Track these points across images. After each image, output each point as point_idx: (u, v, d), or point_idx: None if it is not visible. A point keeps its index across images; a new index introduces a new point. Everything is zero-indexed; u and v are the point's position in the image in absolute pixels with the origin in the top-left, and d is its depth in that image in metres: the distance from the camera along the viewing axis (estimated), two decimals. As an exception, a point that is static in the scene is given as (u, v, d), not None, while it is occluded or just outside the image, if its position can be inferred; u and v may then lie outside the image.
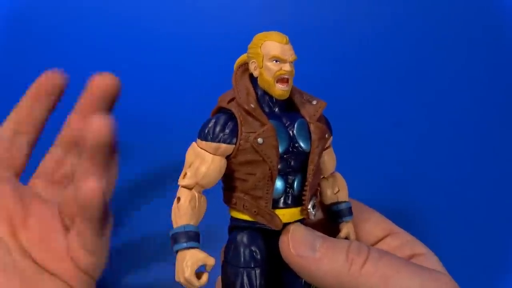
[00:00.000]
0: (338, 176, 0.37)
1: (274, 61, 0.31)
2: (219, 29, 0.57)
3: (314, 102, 0.33)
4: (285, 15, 0.62)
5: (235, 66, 0.34)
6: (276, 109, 0.33)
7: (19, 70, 0.57)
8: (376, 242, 0.37)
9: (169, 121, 0.56)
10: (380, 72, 0.63)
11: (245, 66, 0.33)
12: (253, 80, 0.33)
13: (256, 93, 0.32)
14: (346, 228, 0.36)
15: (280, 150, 0.31)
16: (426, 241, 0.37)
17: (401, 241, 0.36)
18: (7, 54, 0.57)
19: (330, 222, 0.37)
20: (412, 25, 0.62)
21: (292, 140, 0.32)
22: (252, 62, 0.32)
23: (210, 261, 0.30)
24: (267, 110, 0.32)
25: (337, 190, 0.36)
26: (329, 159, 0.35)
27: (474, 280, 0.48)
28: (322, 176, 0.36)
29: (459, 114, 0.60)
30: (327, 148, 0.35)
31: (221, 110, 0.32)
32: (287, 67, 0.31)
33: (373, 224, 0.38)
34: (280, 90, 0.31)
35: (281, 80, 0.31)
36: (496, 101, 0.60)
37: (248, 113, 0.31)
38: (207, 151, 0.31)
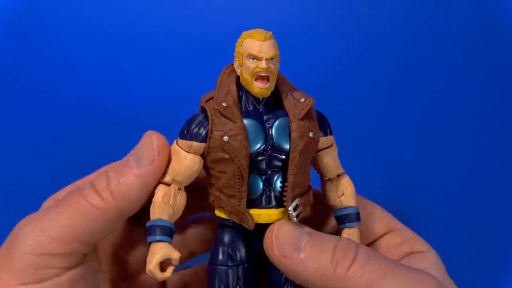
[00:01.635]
0: (345, 179, 0.35)
1: (251, 59, 0.31)
2: (216, 29, 0.57)
3: (302, 100, 0.32)
4: (284, 15, 0.62)
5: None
6: (261, 108, 0.32)
7: (19, 70, 0.57)
8: (376, 239, 0.37)
9: (167, 121, 0.56)
10: (381, 72, 0.62)
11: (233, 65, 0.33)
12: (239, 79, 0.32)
13: (241, 92, 0.32)
14: (346, 235, 0.34)
15: (253, 149, 0.31)
16: (426, 241, 0.36)
17: (401, 239, 0.36)
18: (7, 54, 0.58)
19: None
20: (412, 25, 0.62)
21: (269, 139, 0.31)
22: (235, 61, 0.32)
23: (174, 255, 0.31)
24: (251, 108, 0.32)
25: (341, 194, 0.34)
26: (330, 160, 0.34)
27: (474, 280, 0.48)
28: (327, 178, 0.35)
29: (459, 114, 0.60)
30: (326, 148, 0.34)
31: (202, 109, 0.33)
32: (262, 64, 0.30)
33: (374, 221, 0.37)
34: (258, 88, 0.31)
35: (260, 78, 0.31)
36: (496, 101, 0.60)
37: (220, 112, 0.31)
38: (182, 148, 0.32)
